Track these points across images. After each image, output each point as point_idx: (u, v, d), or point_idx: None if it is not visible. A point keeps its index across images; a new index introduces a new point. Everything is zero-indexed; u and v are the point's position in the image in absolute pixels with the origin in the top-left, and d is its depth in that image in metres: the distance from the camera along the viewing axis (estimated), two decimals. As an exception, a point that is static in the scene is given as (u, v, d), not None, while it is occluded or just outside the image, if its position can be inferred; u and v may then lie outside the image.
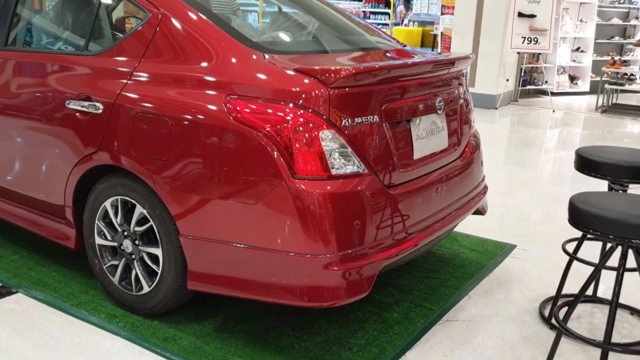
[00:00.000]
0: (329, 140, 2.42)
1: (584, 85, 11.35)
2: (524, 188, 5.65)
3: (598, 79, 10.62)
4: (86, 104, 2.85)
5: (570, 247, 3.76)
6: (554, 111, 9.77)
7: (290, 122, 2.39)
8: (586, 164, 3.02)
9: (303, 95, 2.42)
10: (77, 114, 2.90)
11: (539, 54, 10.58)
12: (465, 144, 3.32)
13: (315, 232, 2.38)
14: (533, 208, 5.01)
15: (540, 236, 4.33)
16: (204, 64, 2.61)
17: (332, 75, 2.41)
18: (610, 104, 10.13)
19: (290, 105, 2.42)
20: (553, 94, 10.46)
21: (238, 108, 2.46)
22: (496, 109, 9.63)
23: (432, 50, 11.87)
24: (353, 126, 2.49)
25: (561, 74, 11.19)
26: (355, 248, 2.47)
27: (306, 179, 2.39)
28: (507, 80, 9.87)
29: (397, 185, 2.70)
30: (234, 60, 2.59)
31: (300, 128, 2.39)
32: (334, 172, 2.43)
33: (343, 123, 2.46)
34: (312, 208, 2.38)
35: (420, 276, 3.52)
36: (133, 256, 2.90)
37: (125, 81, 2.76)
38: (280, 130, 2.39)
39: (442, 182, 3.00)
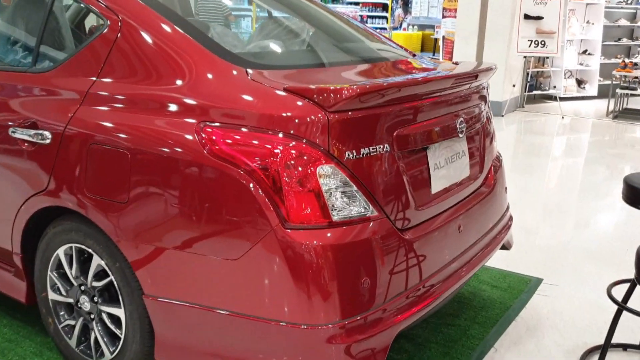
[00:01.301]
0: (328, 177, 1.92)
1: (591, 89, 10.87)
2: (538, 204, 5.15)
3: (606, 82, 10.15)
4: (32, 132, 2.34)
5: (617, 292, 3.26)
6: (563, 117, 9.28)
7: (280, 156, 1.88)
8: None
9: (295, 122, 1.91)
10: (23, 145, 2.39)
11: (546, 57, 10.10)
12: (488, 168, 2.82)
13: (313, 295, 1.88)
14: (552, 230, 4.51)
15: (566, 266, 3.83)
16: (173, 83, 2.10)
17: (332, 96, 1.91)
18: (621, 109, 9.65)
19: (280, 134, 1.92)
20: (560, 99, 9.97)
21: (214, 138, 1.95)
22: (502, 116, 9.14)
23: (433, 55, 11.40)
24: (358, 159, 1.98)
25: (568, 78, 10.71)
26: (364, 313, 1.96)
27: (300, 228, 1.88)
28: (514, 85, 9.39)
29: (413, 227, 2.20)
30: (209, 77, 2.08)
31: (293, 163, 1.89)
32: (335, 217, 1.93)
33: (346, 156, 1.95)
34: (308, 265, 1.87)
35: (437, 323, 3.01)
36: (92, 316, 2.39)
37: (77, 105, 2.25)
38: (267, 167, 1.89)
39: (465, 217, 2.50)
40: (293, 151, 1.89)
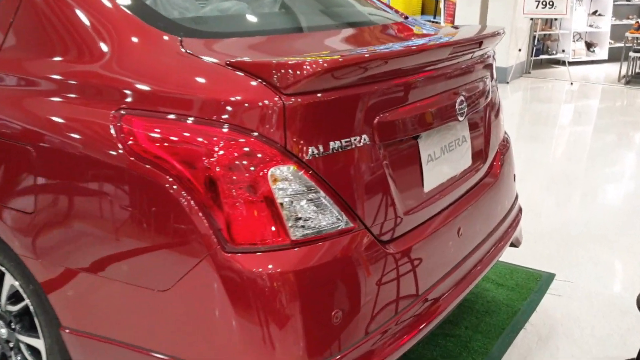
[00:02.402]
0: (285, 182, 1.45)
1: (602, 52, 10.29)
2: (547, 179, 4.68)
3: (618, 45, 9.57)
4: None
5: None
6: (571, 83, 8.75)
7: (217, 156, 1.42)
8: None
9: (239, 110, 1.44)
10: None
11: (554, 19, 9.50)
12: (494, 154, 2.35)
13: (267, 337, 1.43)
14: (564, 213, 4.05)
15: (582, 257, 3.38)
16: (87, 58, 1.62)
17: (289, 73, 1.43)
18: (633, 73, 9.09)
19: (218, 126, 1.44)
20: (569, 63, 9.41)
21: (133, 131, 1.49)
22: (507, 82, 8.61)
23: (434, 18, 10.79)
24: (326, 156, 1.52)
25: (577, 40, 10.13)
26: (338, 354, 1.51)
27: (247, 251, 1.43)
28: (519, 50, 8.83)
29: (401, 237, 1.74)
30: (131, 50, 1.60)
31: (235, 165, 1.42)
32: (296, 234, 1.47)
33: (309, 153, 1.48)
34: (257, 300, 1.42)
35: (433, 334, 2.58)
36: (10, 344, 1.95)
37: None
38: (201, 170, 1.42)
39: (466, 217, 2.04)
40: (235, 149, 1.42)
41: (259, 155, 1.43)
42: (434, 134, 1.91)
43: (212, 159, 1.41)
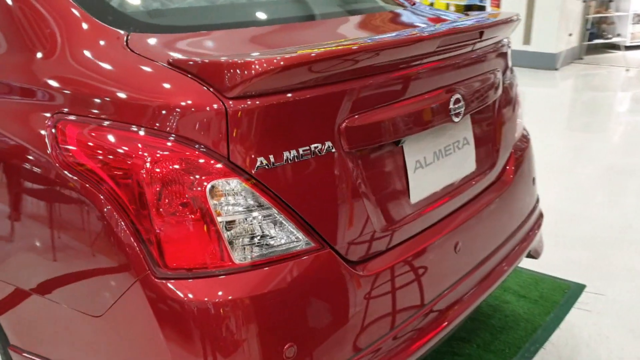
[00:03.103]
0: (228, 197, 1.26)
1: (663, 36, 9.63)
2: (594, 178, 4.33)
3: (681, 28, 8.94)
4: None
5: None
6: (627, 70, 8.20)
7: (149, 168, 1.24)
8: None
9: (178, 116, 1.26)
10: None
11: (610, 0, 8.93)
12: (506, 157, 2.09)
13: (204, 375, 1.25)
14: (606, 214, 3.71)
15: (618, 267, 3.07)
16: (28, 55, 1.46)
17: (233, 74, 1.23)
18: (697, 58, 8.46)
19: (153, 134, 1.26)
20: (625, 48, 8.84)
21: (66, 139, 1.32)
22: (556, 69, 8.14)
23: (481, 2, 10.30)
24: (279, 167, 1.31)
25: (636, 23, 9.49)
26: None
27: (182, 277, 1.25)
28: (570, 34, 8.33)
29: (376, 257, 1.53)
30: (73, 45, 1.43)
31: (170, 179, 1.24)
32: (241, 257, 1.28)
33: (258, 164, 1.29)
34: (193, 334, 1.24)
35: (439, 351, 2.35)
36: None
37: None
38: (131, 185, 1.25)
39: (466, 229, 1.81)
40: (169, 160, 1.24)
41: (197, 168, 1.24)
42: (424, 138, 1.68)
43: (142, 172, 1.23)
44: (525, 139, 2.28)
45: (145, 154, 1.23)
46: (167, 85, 1.29)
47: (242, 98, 1.26)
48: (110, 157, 1.26)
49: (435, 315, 1.65)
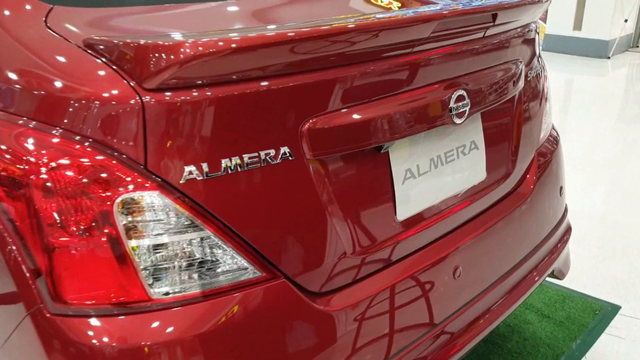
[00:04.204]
0: (145, 214, 1.00)
1: None
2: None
3: None
4: None
5: None
6: (687, 60, 7.61)
7: (40, 177, 0.99)
8: None
9: (85, 111, 1.00)
10: None
11: (671, -15, 8.29)
12: (527, 163, 1.78)
13: None
14: (652, 225, 3.33)
15: (663, 286, 2.71)
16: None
17: (154, 60, 0.97)
18: None
19: (53, 134, 1.01)
20: (687, 36, 8.21)
21: None
22: (608, 58, 7.60)
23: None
24: (216, 179, 1.05)
25: (699, 10, 8.80)
26: None
27: (81, 314, 1.00)
28: (626, 20, 7.75)
29: (347, 287, 1.25)
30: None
31: (68, 190, 0.99)
32: (161, 290, 1.02)
33: (185, 174, 1.02)
34: (95, 384, 0.99)
35: (442, 380, 2.06)
36: None
37: None
38: (20, 197, 1.00)
39: (470, 250, 1.51)
40: (68, 167, 0.98)
41: (104, 178, 0.99)
42: (417, 142, 1.38)
43: (32, 180, 0.98)
44: (553, 140, 1.96)
45: (39, 159, 0.98)
46: (75, 72, 1.03)
47: (164, 90, 0.99)
48: (3, 160, 1.01)
49: (429, 352, 1.36)
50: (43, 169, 0.98)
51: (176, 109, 1.00)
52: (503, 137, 1.66)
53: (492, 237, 1.60)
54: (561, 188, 1.95)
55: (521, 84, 1.67)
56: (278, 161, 1.11)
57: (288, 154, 1.12)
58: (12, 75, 1.08)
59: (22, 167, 0.99)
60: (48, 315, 0.99)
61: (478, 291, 1.55)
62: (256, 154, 1.08)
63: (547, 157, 1.87)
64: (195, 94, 1.01)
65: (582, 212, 3.40)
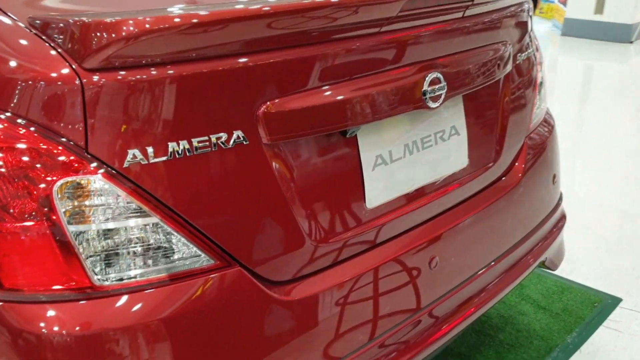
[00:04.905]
0: (84, 200, 0.97)
1: None
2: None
3: None
4: None
5: None
6: None
7: (-23, 161, 0.96)
8: None
9: (22, 91, 0.97)
10: None
11: (699, -33, 8.01)
12: (515, 150, 1.71)
13: None
14: (662, 215, 3.23)
15: (668, 278, 2.62)
16: None
17: (93, 37, 0.93)
18: None
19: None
20: None
21: None
22: (631, 42, 7.40)
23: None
24: (163, 163, 1.01)
25: None
26: None
27: (21, 300, 0.97)
28: (650, 3, 7.54)
29: (309, 277, 1.21)
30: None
31: (7, 174, 0.96)
32: (104, 277, 0.99)
33: (129, 158, 0.98)
34: (33, 371, 0.97)
35: (429, 371, 2.02)
36: None
37: None
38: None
39: (449, 240, 1.46)
40: (7, 151, 0.95)
41: (42, 161, 0.95)
42: (389, 127, 1.33)
43: (-34, 166, 0.96)
44: (547, 127, 1.88)
45: (-28, 142, 0.95)
46: (20, 53, 1.00)
47: (105, 70, 0.95)
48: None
49: (386, 355, 1.32)
50: (-21, 155, 0.95)
51: (118, 90, 0.96)
52: (487, 123, 1.59)
53: (474, 226, 1.55)
54: (554, 176, 1.88)
55: (508, 67, 1.60)
56: (230, 146, 1.06)
57: (242, 139, 1.08)
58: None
59: (-42, 149, 0.96)
60: (-13, 300, 0.97)
61: (456, 283, 1.50)
62: (206, 138, 1.04)
63: (539, 144, 1.80)
64: (138, 74, 0.97)
65: (590, 201, 3.31)
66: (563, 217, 1.96)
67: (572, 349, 2.16)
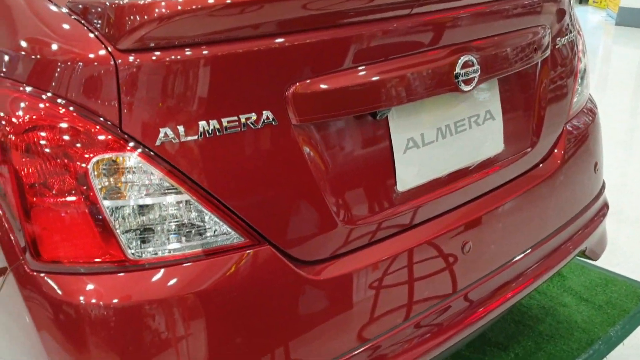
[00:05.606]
0: (120, 176, 1.01)
1: None
2: None
3: None
4: None
5: None
6: None
7: (16, 138, 1.01)
8: None
9: (59, 72, 1.01)
10: None
11: None
12: (554, 137, 1.68)
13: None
14: None
15: None
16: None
17: (126, 18, 0.97)
18: None
19: (29, 95, 1.03)
20: None
21: None
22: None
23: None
24: (192, 142, 1.04)
25: None
26: None
27: (58, 271, 1.02)
28: None
29: (339, 259, 1.23)
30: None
31: (44, 151, 1.00)
32: (138, 252, 1.03)
33: (162, 136, 1.02)
34: (68, 340, 1.02)
35: (469, 358, 2.01)
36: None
37: None
38: (5, 159, 1.02)
39: (483, 225, 1.45)
40: (43, 128, 1.00)
41: (79, 139, 1.00)
42: (421, 110, 1.33)
43: (9, 139, 1.01)
44: (588, 114, 1.84)
45: (13, 118, 1.00)
46: (59, 36, 1.04)
47: (138, 51, 0.99)
48: (-14, 121, 1.04)
49: (416, 340, 1.32)
50: (23, 131, 1.00)
51: (151, 70, 0.99)
52: (524, 108, 1.57)
53: (510, 213, 1.53)
54: (596, 164, 1.84)
55: (546, 52, 1.57)
56: (260, 126, 1.09)
57: (271, 119, 1.10)
58: (4, 40, 1.10)
59: (4, 129, 1.01)
60: (28, 270, 1.02)
61: (491, 268, 1.49)
62: (236, 118, 1.06)
63: (580, 131, 1.77)
64: (170, 55, 1.00)
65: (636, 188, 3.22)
66: (605, 206, 1.91)
67: (615, 341, 2.11)
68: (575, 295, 2.35)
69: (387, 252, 1.28)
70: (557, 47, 1.63)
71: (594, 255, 1.90)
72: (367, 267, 1.24)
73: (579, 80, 1.76)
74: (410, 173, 1.32)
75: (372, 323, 1.26)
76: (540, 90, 1.59)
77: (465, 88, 1.32)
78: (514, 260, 1.54)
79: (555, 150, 1.69)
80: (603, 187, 1.91)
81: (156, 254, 1.04)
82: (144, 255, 1.03)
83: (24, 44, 1.05)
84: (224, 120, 1.05)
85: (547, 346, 2.07)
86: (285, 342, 1.15)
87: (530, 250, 1.59)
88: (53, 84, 1.01)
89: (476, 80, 1.34)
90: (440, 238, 1.37)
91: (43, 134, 0.99)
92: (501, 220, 1.51)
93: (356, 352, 1.22)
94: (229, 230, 1.09)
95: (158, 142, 1.01)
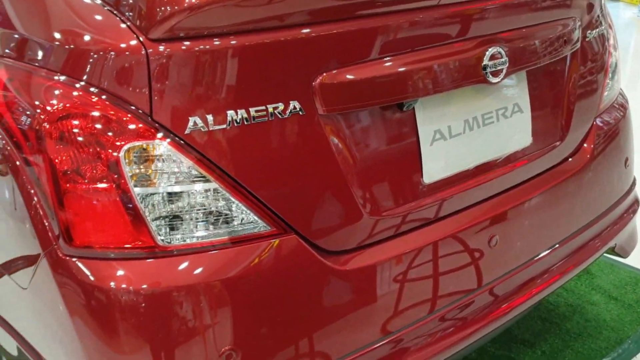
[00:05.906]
0: (151, 163, 1.03)
1: None
2: None
3: None
4: None
5: None
6: None
7: (49, 125, 1.03)
8: None
9: (91, 61, 1.03)
10: None
11: None
12: (584, 131, 1.66)
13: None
14: None
15: None
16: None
17: (156, 8, 0.99)
18: None
19: (63, 83, 1.06)
20: None
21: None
22: None
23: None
24: (220, 131, 1.05)
25: None
26: None
27: (90, 256, 1.04)
28: None
29: (365, 248, 1.23)
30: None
31: (76, 139, 1.03)
32: (167, 238, 1.05)
33: (191, 125, 1.03)
34: (100, 324, 1.04)
35: (494, 355, 2.00)
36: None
37: None
38: (34, 142, 1.05)
39: (510, 219, 1.44)
40: (76, 116, 1.02)
41: (111, 127, 1.02)
42: (449, 102, 1.32)
43: (43, 127, 1.03)
44: (619, 108, 1.82)
45: (48, 107, 1.03)
46: (92, 26, 1.07)
47: (169, 41, 1.01)
48: (19, 107, 1.07)
49: (439, 334, 1.32)
50: (57, 119, 1.02)
51: (181, 59, 1.01)
52: (553, 101, 1.56)
53: (538, 207, 1.52)
54: (627, 159, 1.81)
55: (576, 45, 1.55)
56: (287, 116, 1.10)
57: (298, 109, 1.11)
58: (40, 30, 1.13)
59: (35, 114, 1.04)
60: (61, 256, 1.04)
61: (517, 263, 1.48)
62: (263, 108, 1.07)
63: (610, 126, 1.74)
64: (200, 44, 1.02)
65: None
66: (636, 203, 1.89)
67: (645, 340, 2.08)
68: (604, 293, 2.32)
69: (412, 244, 1.28)
70: (587, 40, 1.61)
71: (623, 252, 1.87)
72: (392, 258, 1.24)
73: (610, 75, 1.74)
74: (436, 165, 1.32)
75: (395, 315, 1.26)
76: (569, 84, 1.58)
77: (493, 80, 1.32)
78: (541, 255, 1.53)
79: (585, 145, 1.67)
80: (634, 183, 1.88)
81: (184, 241, 1.06)
82: (172, 242, 1.05)
83: (58, 34, 1.08)
84: (252, 110, 1.06)
85: (574, 344, 2.05)
86: (310, 332, 1.16)
87: (557, 245, 1.57)
88: (86, 73, 1.03)
89: (504, 72, 1.33)
90: (466, 231, 1.36)
91: (76, 122, 1.02)
92: (528, 215, 1.50)
93: (379, 345, 1.23)
94: (256, 218, 1.10)
95: (187, 131, 1.03)
